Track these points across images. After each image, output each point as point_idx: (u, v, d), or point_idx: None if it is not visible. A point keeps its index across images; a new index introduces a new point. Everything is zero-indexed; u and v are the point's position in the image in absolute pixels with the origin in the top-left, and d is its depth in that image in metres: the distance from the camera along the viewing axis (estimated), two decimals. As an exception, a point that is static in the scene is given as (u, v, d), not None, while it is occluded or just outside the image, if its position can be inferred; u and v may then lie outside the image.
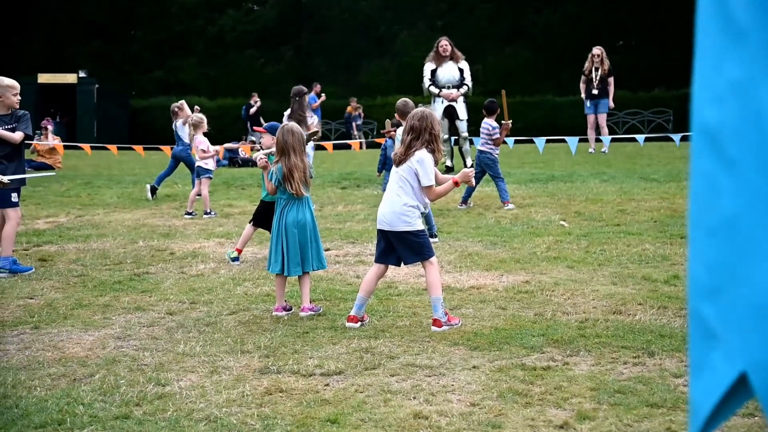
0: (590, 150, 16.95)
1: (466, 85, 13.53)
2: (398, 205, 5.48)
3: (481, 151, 10.41)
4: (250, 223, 7.86)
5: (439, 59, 13.59)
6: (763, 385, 1.34)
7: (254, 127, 8.19)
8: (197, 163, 11.08)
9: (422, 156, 5.44)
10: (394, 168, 5.61)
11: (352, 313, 5.58)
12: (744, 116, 1.39)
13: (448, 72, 13.53)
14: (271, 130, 7.55)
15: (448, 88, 13.51)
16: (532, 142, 13.74)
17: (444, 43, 13.66)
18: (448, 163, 14.08)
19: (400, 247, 5.52)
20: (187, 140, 11.81)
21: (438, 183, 5.57)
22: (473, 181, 6.10)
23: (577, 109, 30.87)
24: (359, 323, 5.55)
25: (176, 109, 12.42)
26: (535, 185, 12.24)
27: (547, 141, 13.81)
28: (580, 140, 14.04)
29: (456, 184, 5.66)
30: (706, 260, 1.46)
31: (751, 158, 1.38)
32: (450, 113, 13.57)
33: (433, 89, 13.62)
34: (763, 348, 1.35)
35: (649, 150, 17.55)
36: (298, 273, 5.94)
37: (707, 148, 1.44)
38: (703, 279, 1.46)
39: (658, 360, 4.68)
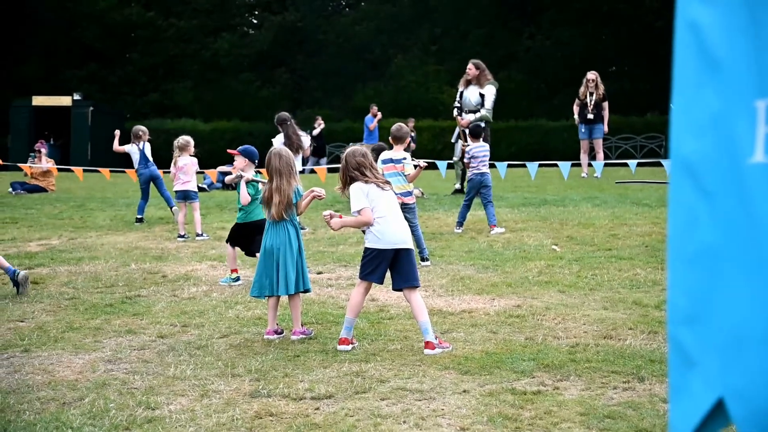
0: (583, 174, 16.90)
1: (481, 110, 13.30)
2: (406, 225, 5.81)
3: (482, 174, 10.37)
4: (227, 242, 8.04)
5: (467, 82, 13.57)
6: (740, 411, 1.36)
7: (228, 150, 8.20)
8: (177, 188, 10.98)
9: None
10: (390, 191, 5.75)
11: (342, 335, 5.61)
12: (720, 148, 1.42)
13: (470, 96, 13.50)
14: (244, 153, 7.66)
15: (467, 112, 13.46)
16: (524, 166, 13.78)
17: (469, 66, 13.59)
18: (457, 186, 14.13)
19: (408, 266, 5.64)
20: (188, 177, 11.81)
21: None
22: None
23: (569, 133, 31.05)
24: (350, 345, 5.57)
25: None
26: (528, 209, 12.28)
27: (540, 165, 13.88)
28: (573, 165, 14.11)
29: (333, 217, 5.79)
30: (685, 288, 1.48)
31: (726, 189, 1.41)
32: (465, 138, 13.58)
33: (455, 112, 13.64)
34: (740, 375, 1.37)
35: (640, 175, 17.62)
36: (273, 293, 5.98)
37: (686, 179, 1.47)
38: (682, 306, 1.49)
39: (648, 385, 4.69)
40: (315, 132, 25.59)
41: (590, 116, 16.30)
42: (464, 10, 36.66)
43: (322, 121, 26.46)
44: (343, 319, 6.41)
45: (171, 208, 12.25)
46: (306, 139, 11.87)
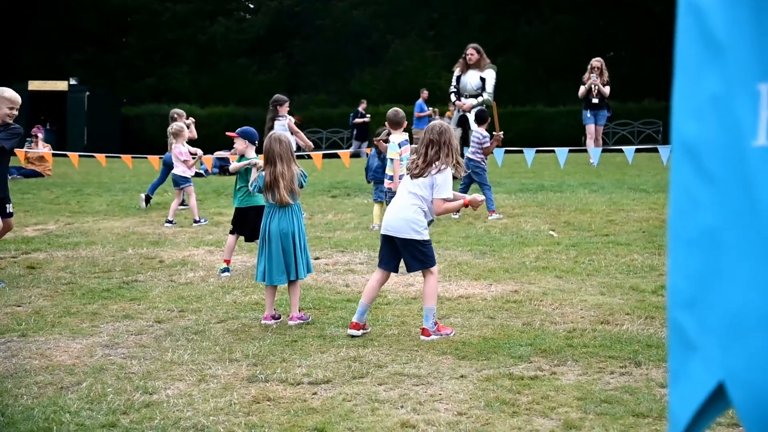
0: (591, 161, 16.54)
1: (483, 94, 13.26)
2: (410, 213, 5.50)
3: (469, 159, 10.45)
4: (230, 232, 7.84)
5: (465, 66, 13.48)
6: (740, 395, 1.36)
7: (227, 132, 8.11)
8: (175, 172, 11.05)
9: (444, 170, 5.47)
10: (407, 178, 5.63)
11: (354, 319, 5.56)
12: (722, 131, 1.41)
13: (470, 80, 13.41)
14: (244, 135, 7.57)
15: (467, 96, 13.40)
16: (521, 152, 13.76)
17: (470, 51, 13.48)
18: (454, 171, 14.04)
19: (405, 254, 5.54)
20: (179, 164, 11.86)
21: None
22: (479, 204, 6.07)
23: (567, 119, 31.07)
24: (361, 331, 5.54)
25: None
26: (525, 195, 12.27)
27: (537, 151, 13.86)
28: (570, 151, 14.09)
29: (465, 205, 5.71)
30: (686, 271, 1.48)
31: (729, 172, 1.40)
32: (464, 122, 13.52)
33: (453, 97, 13.58)
34: (740, 358, 1.36)
35: (638, 160, 17.61)
36: (282, 282, 5.95)
37: (687, 162, 1.46)
38: (683, 289, 1.48)
39: (645, 370, 4.70)
40: (359, 118, 25.76)
41: (595, 100, 16.13)
42: (462, -6, 36.57)
43: (365, 104, 26.74)
44: (341, 304, 6.43)
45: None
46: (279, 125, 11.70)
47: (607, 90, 16.27)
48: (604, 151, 16.50)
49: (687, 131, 1.46)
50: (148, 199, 12.31)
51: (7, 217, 7.50)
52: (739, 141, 1.38)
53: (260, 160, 7.18)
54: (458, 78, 13.52)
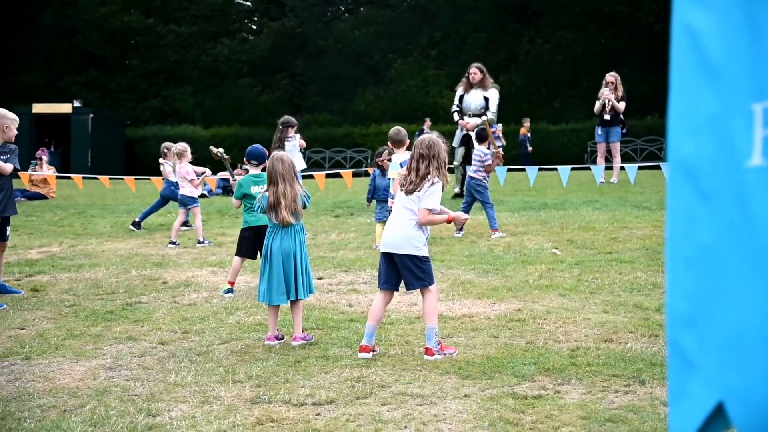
0: (600, 180, 15.69)
1: (486, 114, 13.29)
2: (408, 229, 5.51)
3: (471, 178, 10.48)
4: (236, 254, 7.83)
5: (468, 86, 13.56)
6: (740, 414, 1.36)
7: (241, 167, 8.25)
8: (182, 193, 11.14)
9: (434, 182, 5.51)
10: (401, 194, 5.65)
11: (363, 342, 5.56)
12: (718, 150, 1.42)
13: (473, 100, 13.50)
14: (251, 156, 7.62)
15: (470, 116, 13.48)
16: (524, 170, 13.76)
17: (473, 70, 13.58)
18: (457, 189, 14.09)
19: (404, 272, 5.53)
20: (172, 179, 11.96)
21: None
22: (462, 222, 6.11)
23: (569, 137, 31.12)
24: (371, 353, 5.53)
25: (165, 150, 12.49)
26: (528, 213, 12.28)
27: (540, 169, 13.87)
28: (573, 169, 14.09)
29: (449, 221, 5.72)
30: (685, 289, 1.48)
31: (725, 191, 1.40)
32: (467, 141, 13.58)
33: (456, 116, 13.65)
34: (740, 378, 1.36)
35: (641, 178, 17.62)
36: (282, 302, 5.95)
37: (684, 181, 1.47)
38: (682, 308, 1.49)
39: (649, 389, 4.68)
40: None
41: (607, 117, 15.69)
42: (463, 14, 36.70)
43: (429, 123, 27.00)
44: (344, 324, 6.42)
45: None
46: (294, 139, 11.79)
47: (621, 105, 15.77)
48: (607, 168, 16.29)
49: (684, 150, 1.47)
50: (137, 225, 12.22)
51: (4, 240, 7.74)
52: (735, 160, 1.39)
53: (208, 170, 7.36)
54: (461, 97, 13.60)
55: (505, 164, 12.10)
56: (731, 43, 1.40)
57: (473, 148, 13.42)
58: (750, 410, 1.37)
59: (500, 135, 24.73)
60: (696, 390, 1.43)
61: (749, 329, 1.39)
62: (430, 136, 5.78)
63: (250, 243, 7.60)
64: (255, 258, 7.68)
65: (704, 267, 1.44)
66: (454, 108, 13.76)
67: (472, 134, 13.41)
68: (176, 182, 11.67)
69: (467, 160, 13.65)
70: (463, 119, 13.58)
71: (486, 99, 13.39)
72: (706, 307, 1.44)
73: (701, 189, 1.45)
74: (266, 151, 7.73)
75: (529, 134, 28.62)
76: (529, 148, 28.14)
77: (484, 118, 12.94)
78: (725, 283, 1.42)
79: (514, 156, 27.31)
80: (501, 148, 10.64)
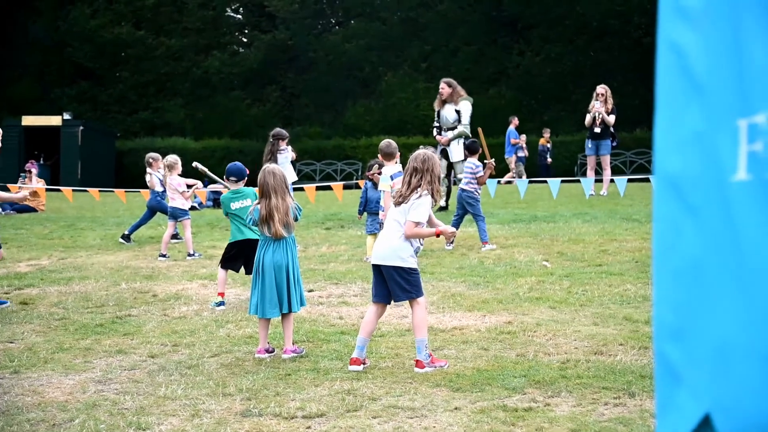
0: (590, 193, 15.35)
1: (458, 126, 13.37)
2: (395, 241, 5.54)
3: (463, 190, 10.50)
4: (219, 266, 7.92)
5: (441, 102, 13.66)
6: (726, 426, 1.37)
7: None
8: (172, 205, 11.12)
9: (425, 195, 5.53)
10: (392, 206, 5.67)
11: (354, 355, 5.56)
12: (704, 165, 1.44)
13: (447, 114, 13.59)
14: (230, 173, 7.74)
15: (446, 130, 13.56)
16: (545, 182, 13.77)
17: (442, 86, 13.66)
18: (442, 203, 14.10)
19: (391, 283, 5.55)
20: (158, 189, 11.98)
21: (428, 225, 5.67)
22: (451, 237, 6.11)
23: (559, 149, 31.19)
24: (362, 366, 5.53)
25: (150, 160, 12.49)
26: (518, 226, 12.30)
27: (530, 182, 13.92)
28: (563, 182, 14.13)
29: (437, 235, 5.74)
30: (671, 302, 1.50)
31: (711, 205, 1.42)
32: (446, 156, 13.66)
33: (434, 132, 13.75)
34: (726, 390, 1.38)
35: (630, 190, 17.68)
36: (274, 315, 5.95)
37: (670, 195, 1.49)
38: (669, 320, 1.50)
39: (639, 401, 4.69)
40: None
41: (597, 129, 15.72)
42: (454, 27, 36.83)
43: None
44: (335, 336, 6.42)
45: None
46: (282, 158, 11.84)
47: (611, 119, 15.80)
48: (597, 180, 16.31)
49: (670, 165, 1.49)
50: (127, 238, 12.20)
51: None
52: (721, 175, 1.41)
53: (199, 183, 7.41)
54: (438, 113, 13.75)
55: (528, 176, 12.12)
56: (716, 60, 1.42)
57: (452, 162, 13.52)
58: (736, 422, 1.39)
59: (523, 146, 24.65)
60: (683, 402, 1.45)
61: (736, 342, 1.41)
62: (425, 150, 5.83)
63: (234, 256, 7.73)
64: (237, 271, 7.83)
65: (691, 280, 1.46)
66: (435, 124, 13.90)
67: (448, 149, 13.52)
68: (163, 192, 11.69)
69: (449, 173, 13.75)
70: (441, 134, 13.71)
71: (458, 112, 13.50)
72: (692, 319, 1.45)
73: (688, 203, 1.47)
74: (245, 167, 7.89)
75: (549, 145, 28.05)
76: (549, 160, 27.74)
77: (456, 131, 13.12)
78: (712, 296, 1.43)
79: (533, 168, 27.00)
80: (494, 160, 10.68)
